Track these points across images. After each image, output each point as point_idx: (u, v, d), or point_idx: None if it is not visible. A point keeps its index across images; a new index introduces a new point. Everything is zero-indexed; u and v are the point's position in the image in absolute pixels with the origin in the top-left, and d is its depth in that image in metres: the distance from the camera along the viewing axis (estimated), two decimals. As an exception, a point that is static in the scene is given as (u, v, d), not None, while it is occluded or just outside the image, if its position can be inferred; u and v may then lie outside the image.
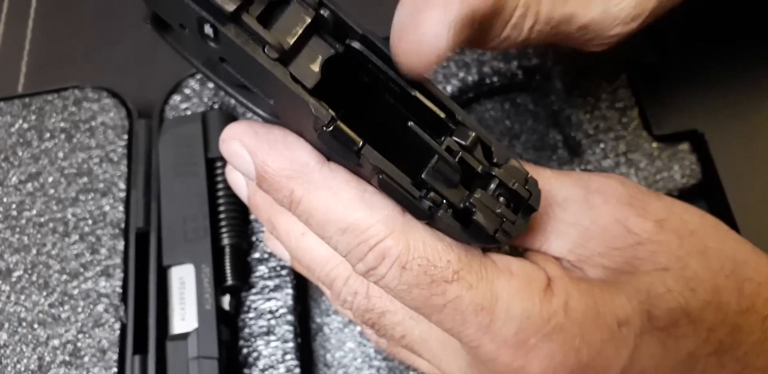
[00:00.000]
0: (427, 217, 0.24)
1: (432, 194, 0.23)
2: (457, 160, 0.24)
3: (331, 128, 0.22)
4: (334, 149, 0.23)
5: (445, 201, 0.23)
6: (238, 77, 0.24)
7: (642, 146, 0.43)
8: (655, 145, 0.43)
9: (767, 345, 0.26)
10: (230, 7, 0.21)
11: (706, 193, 0.43)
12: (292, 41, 0.22)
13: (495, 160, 0.24)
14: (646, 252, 0.26)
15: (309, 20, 0.22)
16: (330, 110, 0.22)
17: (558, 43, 0.31)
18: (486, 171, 0.24)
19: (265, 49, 0.22)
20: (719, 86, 0.46)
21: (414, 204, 0.23)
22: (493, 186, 0.24)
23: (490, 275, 0.24)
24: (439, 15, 0.23)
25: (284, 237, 0.29)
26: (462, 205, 0.24)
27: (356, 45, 0.23)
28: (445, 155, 0.23)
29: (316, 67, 0.23)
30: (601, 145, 0.43)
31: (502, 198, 0.24)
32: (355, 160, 0.23)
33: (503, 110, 0.48)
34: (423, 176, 0.23)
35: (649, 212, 0.27)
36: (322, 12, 0.23)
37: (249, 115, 0.45)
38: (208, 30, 0.22)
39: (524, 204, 0.24)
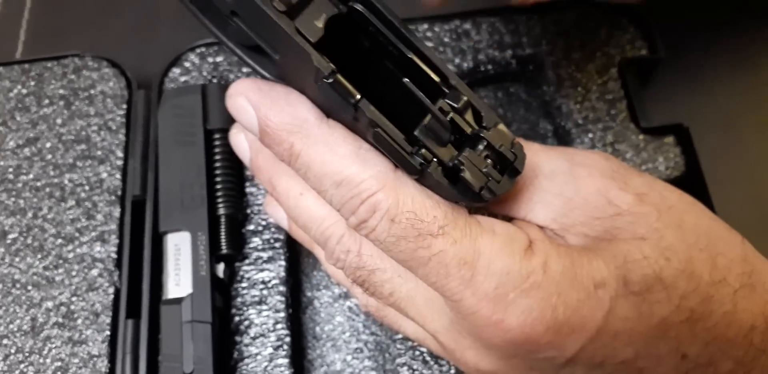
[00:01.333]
0: (418, 173, 0.25)
1: (423, 151, 0.24)
2: (448, 119, 0.25)
3: (331, 80, 0.23)
4: (333, 102, 0.25)
5: (435, 158, 0.25)
6: (248, 31, 0.25)
7: (629, 137, 0.44)
8: (641, 136, 0.44)
9: (737, 317, 0.27)
10: None
11: (689, 185, 0.44)
12: None
13: (484, 124, 0.25)
14: (625, 223, 0.27)
15: None
16: (331, 63, 0.23)
17: None
18: (475, 133, 0.25)
19: (274, 2, 0.23)
20: (705, 82, 0.48)
21: (406, 159, 0.24)
22: (481, 147, 0.25)
23: (473, 233, 0.25)
24: None
25: (283, 197, 0.30)
26: (451, 163, 0.25)
27: (359, 7, 0.24)
28: (437, 113, 0.24)
29: (320, 23, 0.24)
30: (590, 135, 0.45)
31: (489, 160, 0.25)
32: (352, 113, 0.24)
33: (497, 98, 0.50)
34: (416, 133, 0.24)
35: (630, 186, 0.28)
36: None
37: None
38: None
39: (510, 166, 0.26)
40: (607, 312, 0.25)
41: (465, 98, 0.25)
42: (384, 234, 0.26)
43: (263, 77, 0.27)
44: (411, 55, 0.25)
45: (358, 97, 0.24)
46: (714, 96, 0.48)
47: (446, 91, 0.25)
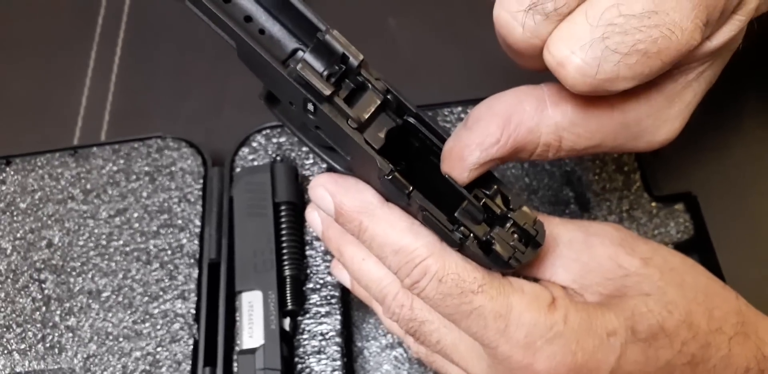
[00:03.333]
0: (458, 246, 0.31)
1: (462, 228, 0.30)
2: (481, 204, 0.31)
3: (390, 177, 0.30)
4: (391, 192, 0.31)
5: (472, 234, 0.30)
6: (327, 140, 0.32)
7: (643, 205, 0.50)
8: (654, 204, 0.49)
9: (733, 361, 0.32)
10: (327, 92, 0.28)
11: (698, 247, 0.49)
12: (366, 116, 0.30)
13: (511, 206, 0.31)
14: (633, 282, 0.32)
15: (379, 102, 0.30)
16: (390, 164, 0.30)
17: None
18: (504, 213, 0.31)
19: (348, 121, 0.29)
20: (711, 154, 0.53)
21: (448, 235, 0.30)
22: (508, 225, 0.31)
23: (506, 291, 0.31)
24: (460, 163, 0.30)
25: (349, 262, 0.36)
26: (485, 238, 0.31)
27: (411, 120, 0.31)
28: (473, 200, 0.31)
29: (382, 135, 0.30)
30: (608, 203, 0.50)
31: (515, 235, 0.31)
32: (406, 201, 0.31)
33: (523, 169, 0.55)
34: (456, 214, 0.30)
35: (637, 251, 0.33)
36: (388, 97, 0.30)
37: (307, 167, 0.53)
38: (310, 106, 0.30)
39: (532, 240, 0.31)
40: (618, 356, 0.30)
41: (495, 186, 0.31)
42: (433, 292, 0.32)
43: (336, 170, 0.34)
44: None
45: (411, 189, 0.30)
46: (719, 166, 0.53)
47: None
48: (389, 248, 0.32)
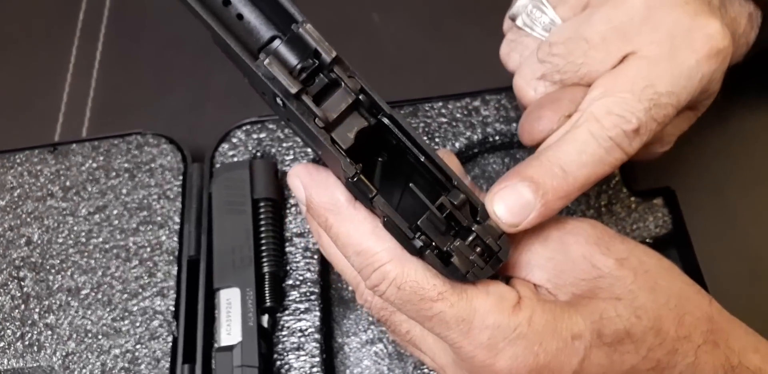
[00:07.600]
0: (417, 254, 0.30)
1: (423, 237, 0.30)
2: (446, 215, 0.30)
3: (354, 179, 0.29)
4: (355, 194, 0.31)
5: (433, 243, 0.30)
6: (299, 132, 0.32)
7: (622, 200, 0.50)
8: (632, 199, 0.50)
9: (700, 368, 0.32)
10: (294, 90, 0.27)
11: (676, 242, 0.49)
12: (336, 115, 0.29)
13: (478, 218, 0.31)
14: (606, 284, 0.32)
15: (351, 101, 0.29)
16: (356, 166, 0.29)
17: None
18: (469, 226, 0.30)
19: (315, 120, 0.29)
20: (689, 150, 0.54)
21: (408, 242, 0.30)
22: (471, 238, 0.30)
23: (469, 295, 0.31)
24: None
25: (325, 246, 0.36)
26: (445, 249, 0.30)
27: (385, 120, 0.30)
28: (435, 211, 0.29)
29: (351, 135, 0.29)
30: (586, 198, 0.50)
31: (478, 248, 0.30)
32: (369, 205, 0.30)
33: (504, 163, 0.55)
34: (418, 223, 0.30)
35: (612, 251, 0.33)
36: (361, 96, 0.29)
37: (287, 163, 0.53)
38: (279, 101, 0.29)
39: (494, 256, 0.31)
40: (582, 359, 0.30)
41: (462, 196, 0.30)
42: (393, 298, 0.31)
43: (316, 152, 0.34)
44: (423, 160, 0.30)
45: (375, 192, 0.29)
46: (697, 161, 0.53)
47: (450, 189, 0.31)
48: (351, 249, 0.32)
